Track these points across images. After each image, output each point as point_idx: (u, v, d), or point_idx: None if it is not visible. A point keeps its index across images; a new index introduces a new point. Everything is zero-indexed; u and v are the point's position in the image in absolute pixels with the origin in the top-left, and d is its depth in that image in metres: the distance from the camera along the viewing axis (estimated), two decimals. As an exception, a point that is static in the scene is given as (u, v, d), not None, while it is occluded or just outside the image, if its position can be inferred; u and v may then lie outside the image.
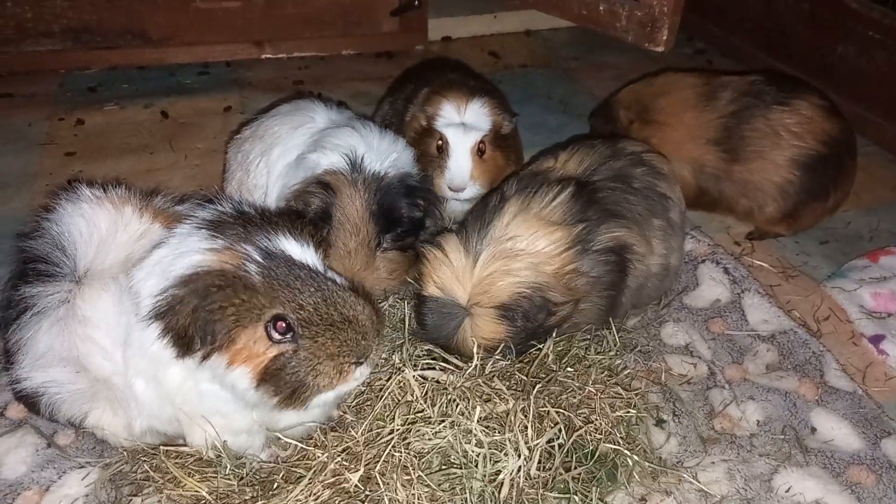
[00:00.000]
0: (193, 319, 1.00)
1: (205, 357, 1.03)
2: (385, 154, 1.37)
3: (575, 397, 1.29)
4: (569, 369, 1.32)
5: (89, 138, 2.40)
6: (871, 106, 2.23)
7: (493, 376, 1.26)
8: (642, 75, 2.15)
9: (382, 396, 1.23)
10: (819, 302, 1.71)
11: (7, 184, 2.15)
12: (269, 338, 1.03)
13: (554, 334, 1.32)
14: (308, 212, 1.38)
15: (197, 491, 1.15)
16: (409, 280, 1.44)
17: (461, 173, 1.54)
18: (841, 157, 1.82)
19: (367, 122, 1.54)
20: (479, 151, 1.56)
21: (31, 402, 1.27)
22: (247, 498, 1.15)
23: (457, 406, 1.23)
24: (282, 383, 1.05)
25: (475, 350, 1.25)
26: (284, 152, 1.53)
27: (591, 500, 1.15)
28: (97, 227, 1.21)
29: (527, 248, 1.25)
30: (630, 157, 1.47)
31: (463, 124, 1.55)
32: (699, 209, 1.93)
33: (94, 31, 2.51)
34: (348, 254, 1.34)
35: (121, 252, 1.19)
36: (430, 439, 1.20)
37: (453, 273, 1.24)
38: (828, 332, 1.64)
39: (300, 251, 1.05)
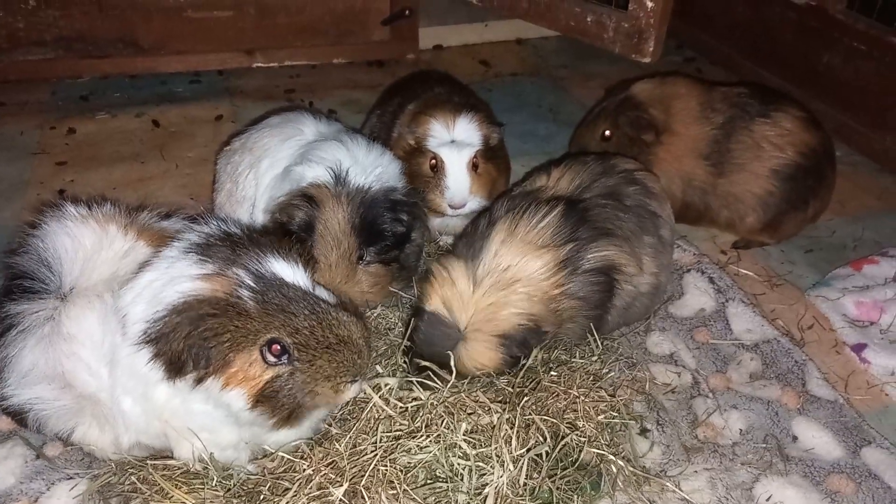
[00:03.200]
0: (187, 346, 1.02)
1: (198, 380, 1.05)
2: (370, 168, 1.39)
3: (560, 402, 1.30)
4: (553, 373, 1.34)
5: (81, 147, 2.40)
6: (857, 115, 2.25)
7: (477, 390, 1.28)
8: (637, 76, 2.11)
9: (367, 410, 1.25)
10: (803, 310, 1.73)
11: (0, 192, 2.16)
12: (265, 361, 1.05)
13: (538, 348, 1.35)
14: (292, 224, 1.39)
15: (184, 502, 1.16)
16: (392, 291, 1.46)
17: (461, 191, 1.55)
18: (820, 167, 1.84)
19: (356, 134, 1.55)
20: (474, 166, 1.58)
21: (18, 417, 1.28)
22: None
23: (442, 421, 1.25)
24: (278, 404, 1.07)
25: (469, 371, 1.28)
26: (272, 164, 1.54)
27: (576, 509, 1.18)
28: (82, 244, 1.22)
29: (521, 277, 1.27)
30: (622, 175, 1.48)
31: (454, 142, 1.55)
32: (684, 222, 1.94)
33: (85, 39, 2.52)
34: (329, 267, 1.35)
35: (105, 270, 1.21)
36: (415, 453, 1.22)
37: (457, 295, 1.26)
38: (812, 340, 1.65)
39: (291, 273, 1.07)
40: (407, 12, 2.70)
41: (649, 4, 1.97)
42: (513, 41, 3.22)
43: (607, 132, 1.96)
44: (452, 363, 1.24)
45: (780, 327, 1.64)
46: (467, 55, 3.13)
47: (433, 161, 1.56)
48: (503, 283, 1.25)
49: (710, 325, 1.59)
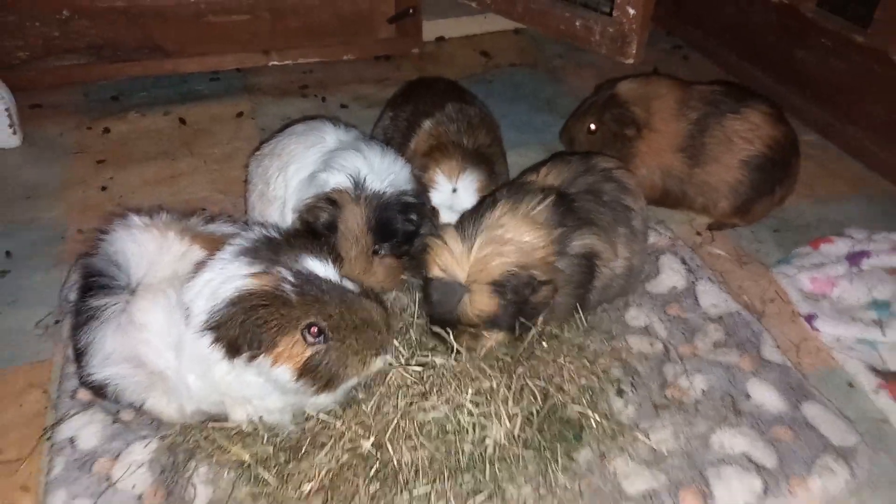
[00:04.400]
0: (242, 331, 1.26)
1: (251, 358, 1.29)
2: (385, 174, 1.62)
3: (549, 369, 1.55)
4: (544, 345, 1.58)
5: (116, 146, 2.63)
6: (827, 107, 2.45)
7: (480, 360, 1.52)
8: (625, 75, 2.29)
9: (388, 377, 1.50)
10: (767, 285, 1.97)
11: (47, 192, 2.38)
12: (305, 341, 1.30)
13: (538, 323, 1.58)
14: (317, 224, 1.63)
15: (240, 456, 1.43)
16: (404, 279, 1.70)
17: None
18: (785, 158, 2.06)
19: (371, 142, 1.78)
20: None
21: (98, 390, 1.54)
22: (280, 461, 1.42)
23: (451, 386, 1.50)
24: (317, 376, 1.32)
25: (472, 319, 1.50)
26: (299, 169, 1.77)
27: (560, 457, 1.43)
28: (147, 248, 1.46)
29: (514, 238, 1.48)
30: (601, 173, 1.70)
31: (452, 206, 1.74)
32: (664, 207, 2.17)
33: (114, 46, 2.75)
34: (350, 260, 1.58)
35: (167, 270, 1.44)
36: (429, 412, 1.47)
37: (453, 257, 1.48)
38: (772, 312, 1.89)
39: (323, 269, 1.31)
40: (411, 11, 2.89)
41: (631, 12, 2.16)
42: (511, 31, 3.40)
43: (593, 126, 2.18)
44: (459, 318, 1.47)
45: (744, 301, 1.87)
46: (468, 46, 3.33)
47: (433, 208, 1.76)
48: (495, 238, 1.46)
49: (681, 301, 1.83)
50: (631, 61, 2.28)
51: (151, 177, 2.45)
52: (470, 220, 1.51)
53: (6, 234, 2.15)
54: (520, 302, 1.51)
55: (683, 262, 1.92)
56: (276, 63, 2.96)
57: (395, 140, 2.06)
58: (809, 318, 1.83)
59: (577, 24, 2.29)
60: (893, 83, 2.17)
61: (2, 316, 1.89)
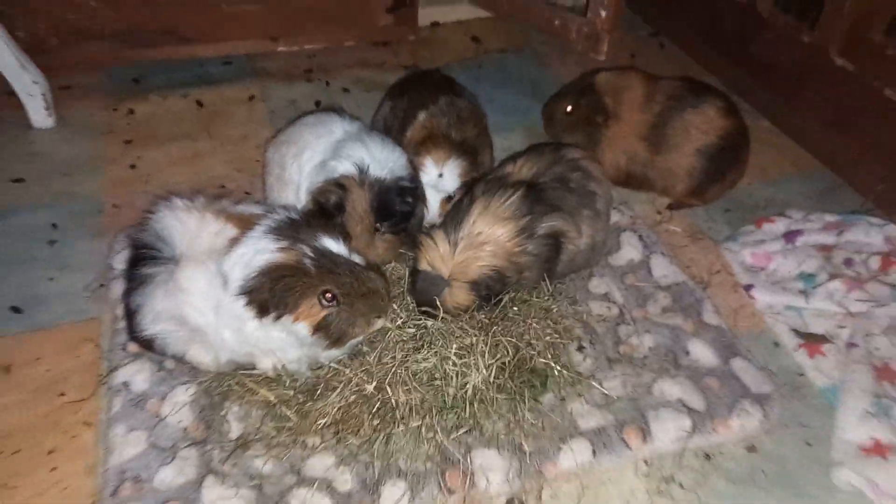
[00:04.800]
0: (271, 295, 1.56)
1: (277, 318, 1.59)
2: (385, 163, 1.90)
3: (520, 328, 1.85)
4: (515, 308, 1.89)
5: (141, 127, 2.88)
6: (778, 95, 2.73)
7: (462, 322, 1.83)
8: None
9: (388, 335, 1.81)
10: (715, 259, 2.27)
11: (83, 169, 2.63)
12: (321, 304, 1.60)
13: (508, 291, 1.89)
14: (328, 204, 1.92)
15: (266, 397, 1.74)
16: (401, 252, 2.01)
17: (431, 214, 2.09)
18: (735, 147, 2.34)
19: (373, 133, 2.05)
20: (448, 198, 2.08)
21: (147, 344, 1.83)
22: (300, 401, 1.73)
23: (438, 342, 1.81)
24: (330, 332, 1.62)
25: (450, 309, 1.82)
26: (312, 156, 2.04)
27: (528, 399, 1.74)
28: (188, 226, 1.73)
29: (488, 239, 1.78)
30: (569, 163, 1.99)
31: (437, 186, 2.04)
32: (629, 188, 2.47)
33: (136, 32, 2.98)
34: (355, 236, 1.87)
35: (205, 244, 1.72)
36: (420, 363, 1.78)
37: (439, 255, 1.77)
38: (717, 282, 2.19)
39: (335, 245, 1.61)
40: (407, 1, 3.14)
41: (603, 13, 2.42)
42: (501, 16, 3.64)
43: (569, 108, 2.46)
44: (439, 304, 1.79)
45: (691, 273, 2.18)
46: (460, 31, 3.56)
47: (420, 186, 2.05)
48: (475, 244, 1.76)
49: (636, 272, 2.13)
50: (602, 57, 2.54)
51: (175, 156, 2.71)
52: (453, 223, 1.81)
53: (51, 207, 2.43)
54: (491, 294, 1.83)
55: (641, 238, 2.22)
56: (283, 49, 3.20)
57: (393, 128, 2.33)
58: (748, 288, 2.14)
59: (557, 22, 2.54)
60: (832, 78, 2.44)
61: (54, 280, 2.19)
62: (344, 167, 1.91)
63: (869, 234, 2.20)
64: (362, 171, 1.89)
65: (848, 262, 2.16)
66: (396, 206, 1.89)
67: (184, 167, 2.66)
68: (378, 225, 1.92)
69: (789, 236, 2.24)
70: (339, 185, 1.90)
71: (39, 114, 2.74)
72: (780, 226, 2.29)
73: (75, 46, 2.95)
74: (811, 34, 2.49)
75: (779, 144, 2.76)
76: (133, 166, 2.65)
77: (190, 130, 2.85)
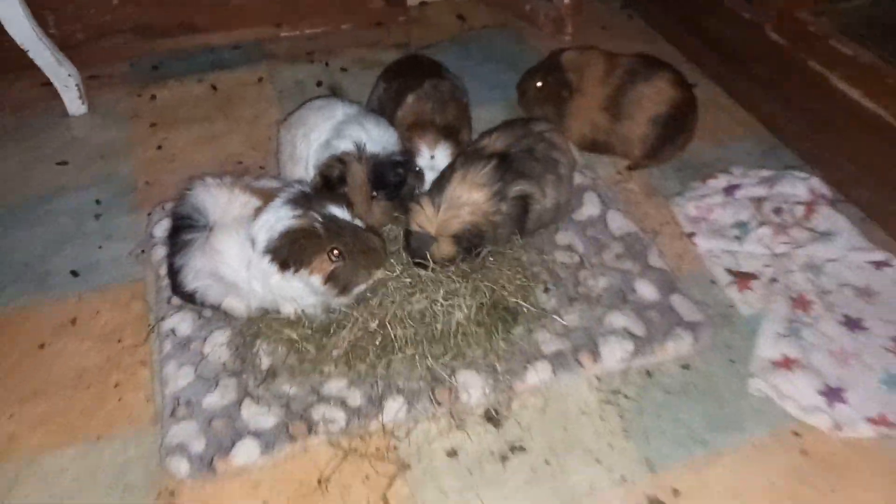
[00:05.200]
0: (290, 253, 1.93)
1: (296, 271, 1.96)
2: (379, 141, 2.25)
3: (495, 275, 2.21)
4: (491, 259, 2.27)
5: (163, 111, 3.23)
6: (727, 67, 3.06)
7: (449, 272, 2.21)
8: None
9: (387, 284, 2.20)
10: (665, 212, 2.63)
11: (116, 151, 2.99)
12: (330, 259, 1.97)
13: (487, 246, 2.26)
14: (331, 177, 2.28)
15: (290, 336, 2.14)
16: (395, 216, 2.38)
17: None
18: (684, 115, 2.68)
19: (369, 115, 2.41)
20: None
21: (189, 297, 2.20)
22: (316, 338, 2.10)
23: (429, 287, 2.20)
24: (338, 282, 1.98)
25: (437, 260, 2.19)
26: (318, 136, 2.39)
27: (501, 332, 2.14)
28: (220, 199, 2.10)
29: (467, 202, 2.14)
30: (536, 136, 2.33)
31: (430, 168, 2.35)
32: (594, 152, 2.83)
33: (155, 25, 3.32)
34: (356, 204, 2.19)
35: (234, 213, 2.06)
36: (414, 305, 2.17)
37: (426, 217, 2.14)
38: (666, 232, 2.55)
39: (341, 213, 1.98)
40: (398, -13, 3.45)
41: (566, 0, 2.75)
42: (484, -6, 3.94)
43: (540, 84, 2.80)
44: (429, 257, 2.17)
45: (642, 225, 2.55)
46: (447, 10, 3.86)
47: (418, 169, 2.38)
48: (455, 205, 2.12)
49: (595, 225, 2.49)
50: (568, 38, 2.88)
51: (195, 136, 3.06)
52: (437, 190, 2.17)
53: (94, 186, 2.81)
54: (472, 245, 2.19)
55: (600, 196, 2.59)
56: (286, 34, 3.53)
57: (388, 107, 2.68)
58: (690, 236, 2.51)
59: (527, 7, 2.86)
60: (767, 51, 2.78)
61: (103, 248, 2.57)
62: (345, 145, 2.27)
63: (795, 187, 2.56)
64: (360, 149, 2.25)
65: (777, 211, 2.53)
66: (389, 178, 2.25)
67: (204, 146, 3.02)
68: (374, 193, 2.29)
69: (729, 190, 2.61)
70: (341, 160, 2.26)
71: (74, 103, 3.10)
72: (722, 181, 2.66)
73: (100, 40, 3.30)
74: (751, 12, 2.81)
75: (728, 109, 3.10)
76: (160, 147, 3.02)
77: (207, 112, 3.19)
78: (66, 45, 3.13)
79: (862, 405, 2.02)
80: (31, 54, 2.87)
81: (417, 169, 2.36)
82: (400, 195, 2.33)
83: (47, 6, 3.09)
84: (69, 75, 3.02)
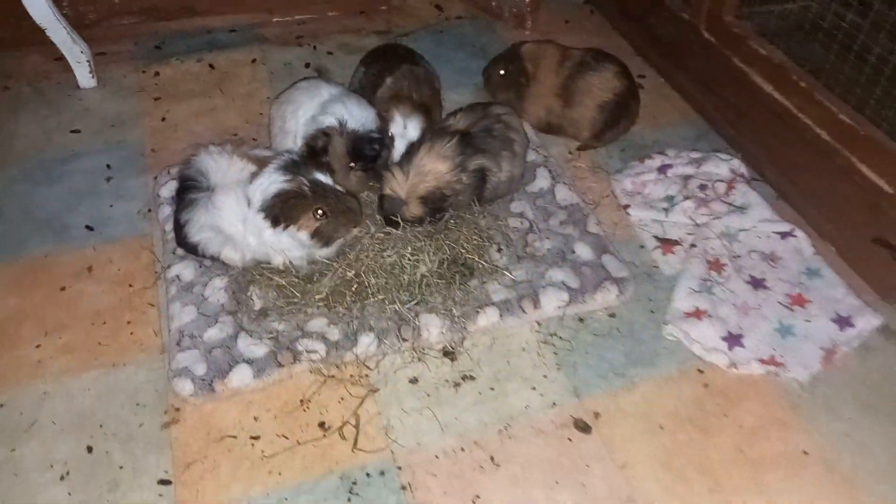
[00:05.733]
0: (281, 211, 2.27)
1: (285, 227, 2.31)
2: (359, 119, 2.61)
3: (456, 235, 2.59)
4: (452, 222, 2.65)
5: (166, 86, 3.55)
6: (668, 60, 3.45)
7: (416, 232, 2.60)
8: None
9: (362, 240, 2.58)
10: (606, 187, 3.03)
11: (124, 121, 3.29)
12: (315, 218, 2.32)
13: (449, 211, 2.65)
14: (317, 147, 2.63)
15: (279, 282, 2.51)
16: (371, 185, 2.75)
17: (397, 155, 2.73)
18: (626, 102, 3.07)
19: (351, 95, 2.77)
20: (411, 145, 2.76)
21: (192, 248, 2.49)
22: (302, 284, 2.46)
23: (399, 244, 2.58)
24: (322, 237, 2.29)
25: (407, 220, 2.57)
26: (305, 112, 2.74)
27: (459, 283, 2.53)
28: (220, 164, 2.44)
29: (432, 170, 2.51)
30: (494, 117, 2.70)
31: (403, 136, 2.67)
32: (549, 134, 3.22)
33: (159, 9, 3.64)
34: (336, 172, 2.55)
35: (233, 177, 2.41)
36: (386, 258, 2.55)
37: (397, 183, 2.50)
38: (605, 203, 2.94)
39: (325, 178, 2.35)
40: (380, -21, 3.80)
41: (527, -2, 3.14)
42: (460, -14, 4.28)
43: (502, 72, 3.18)
44: (400, 217, 2.55)
45: (589, 197, 2.95)
46: (426, 0, 4.22)
47: (391, 135, 2.74)
48: (422, 173, 2.48)
49: (544, 196, 2.89)
50: (528, 33, 3.25)
51: (195, 110, 3.40)
52: (406, 160, 2.53)
53: (106, 152, 3.15)
54: (437, 207, 2.57)
55: (550, 172, 2.98)
56: (278, 19, 3.86)
57: (367, 89, 3.04)
58: (625, 207, 2.92)
59: (493, 3, 3.22)
60: (701, 48, 3.16)
61: (114, 206, 2.92)
62: (329, 121, 2.63)
63: (718, 167, 2.96)
64: (342, 125, 2.61)
65: (702, 188, 2.93)
66: (366, 152, 2.61)
67: (203, 119, 3.36)
68: (352, 165, 2.66)
69: (662, 169, 3.01)
70: (325, 133, 2.62)
71: (85, 77, 3.43)
72: (656, 161, 3.05)
73: (109, 20, 3.62)
74: (688, 12, 3.20)
75: (669, 98, 3.49)
76: (164, 119, 3.36)
77: (205, 89, 3.53)
78: (78, 25, 3.45)
79: (756, 348, 2.44)
80: (48, 32, 3.18)
81: (390, 135, 2.74)
82: (375, 167, 2.71)
83: (63, -11, 3.41)
84: (81, 52, 3.34)
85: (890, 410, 2.29)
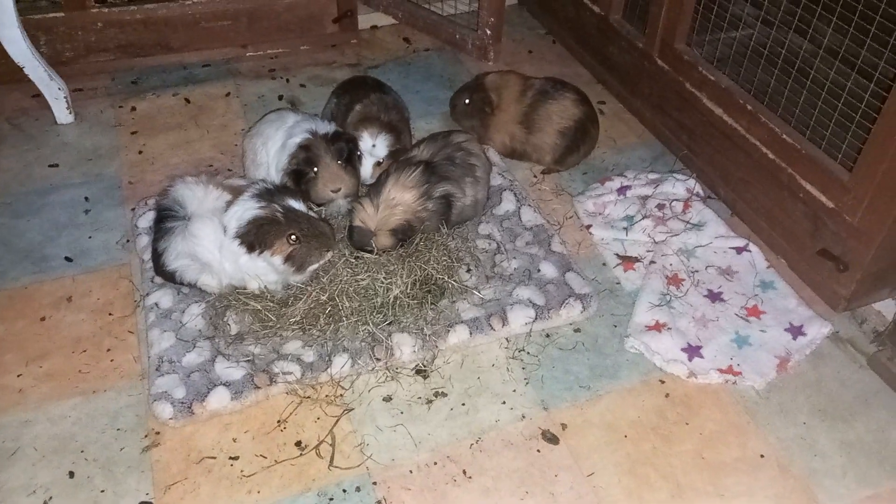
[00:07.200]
0: (255, 237, 2.36)
1: (260, 253, 2.39)
2: (328, 128, 2.70)
3: (426, 257, 2.69)
4: (423, 244, 2.75)
5: (143, 120, 3.63)
6: (625, 86, 3.62)
7: (389, 256, 2.69)
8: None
9: (336, 265, 2.68)
10: (569, 208, 3.16)
11: (102, 155, 3.35)
12: (289, 243, 2.39)
13: (418, 237, 2.76)
14: (300, 165, 2.69)
15: (255, 307, 2.59)
16: (356, 185, 2.81)
17: (366, 176, 2.86)
18: (585, 128, 3.22)
19: (316, 118, 2.89)
20: (377, 164, 2.86)
21: (169, 276, 2.55)
22: (277, 308, 2.54)
23: (372, 268, 2.68)
24: (295, 262, 2.30)
25: (378, 250, 2.68)
26: (274, 143, 2.85)
27: (430, 303, 2.63)
28: (197, 193, 2.52)
29: (400, 202, 2.60)
30: (455, 146, 2.83)
31: (371, 154, 2.79)
32: (513, 159, 3.36)
33: (135, 45, 3.74)
34: (329, 174, 2.62)
35: (210, 205, 2.50)
36: (359, 282, 2.65)
37: (367, 215, 2.59)
38: (568, 224, 3.07)
39: (298, 205, 2.44)
40: (349, 13, 3.95)
41: (489, 31, 3.27)
42: (428, 20, 4.45)
43: (467, 101, 3.31)
44: (372, 248, 2.65)
45: (553, 218, 3.08)
46: (395, 34, 4.33)
47: (359, 154, 2.87)
48: (391, 205, 2.58)
49: (511, 218, 3.01)
50: (491, 63, 3.41)
51: (172, 143, 3.48)
52: (375, 192, 2.62)
53: (84, 184, 3.22)
54: (405, 238, 2.67)
55: (515, 195, 3.11)
56: (251, 53, 3.98)
57: (338, 118, 3.16)
58: (588, 227, 3.05)
59: (457, 36, 3.37)
60: (656, 74, 3.32)
61: (93, 238, 2.97)
62: (301, 137, 2.72)
63: (675, 187, 3.12)
64: (315, 135, 2.72)
65: (660, 207, 3.08)
66: (344, 147, 2.72)
67: (180, 151, 3.46)
68: (340, 162, 2.72)
69: (621, 190, 3.15)
70: (302, 147, 2.70)
71: (62, 112, 3.51)
72: (616, 182, 3.20)
73: (86, 57, 3.71)
74: (643, 41, 3.38)
75: (627, 122, 3.65)
76: (140, 152, 3.45)
77: (181, 122, 3.62)
78: (55, 62, 3.54)
79: (714, 358, 2.56)
80: (26, 70, 3.27)
81: (359, 154, 2.86)
82: (356, 164, 2.81)
83: (41, 28, 3.50)
84: (59, 88, 3.43)
85: (841, 414, 2.42)
